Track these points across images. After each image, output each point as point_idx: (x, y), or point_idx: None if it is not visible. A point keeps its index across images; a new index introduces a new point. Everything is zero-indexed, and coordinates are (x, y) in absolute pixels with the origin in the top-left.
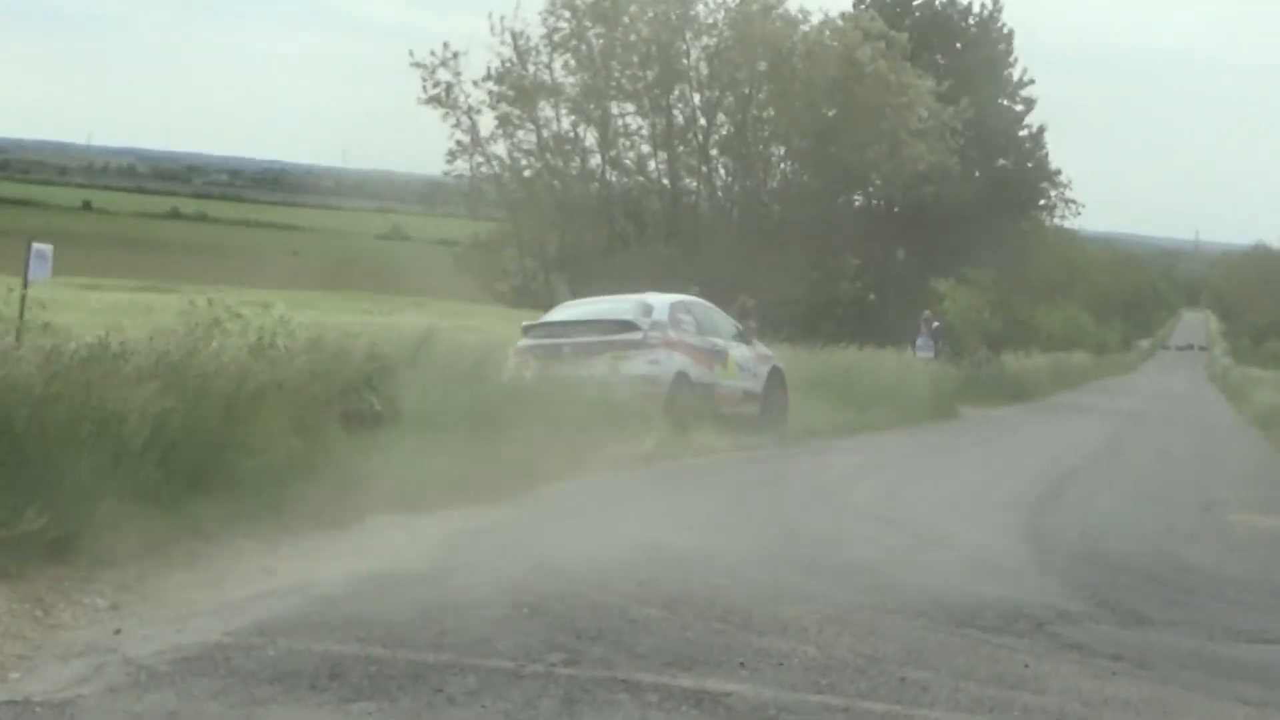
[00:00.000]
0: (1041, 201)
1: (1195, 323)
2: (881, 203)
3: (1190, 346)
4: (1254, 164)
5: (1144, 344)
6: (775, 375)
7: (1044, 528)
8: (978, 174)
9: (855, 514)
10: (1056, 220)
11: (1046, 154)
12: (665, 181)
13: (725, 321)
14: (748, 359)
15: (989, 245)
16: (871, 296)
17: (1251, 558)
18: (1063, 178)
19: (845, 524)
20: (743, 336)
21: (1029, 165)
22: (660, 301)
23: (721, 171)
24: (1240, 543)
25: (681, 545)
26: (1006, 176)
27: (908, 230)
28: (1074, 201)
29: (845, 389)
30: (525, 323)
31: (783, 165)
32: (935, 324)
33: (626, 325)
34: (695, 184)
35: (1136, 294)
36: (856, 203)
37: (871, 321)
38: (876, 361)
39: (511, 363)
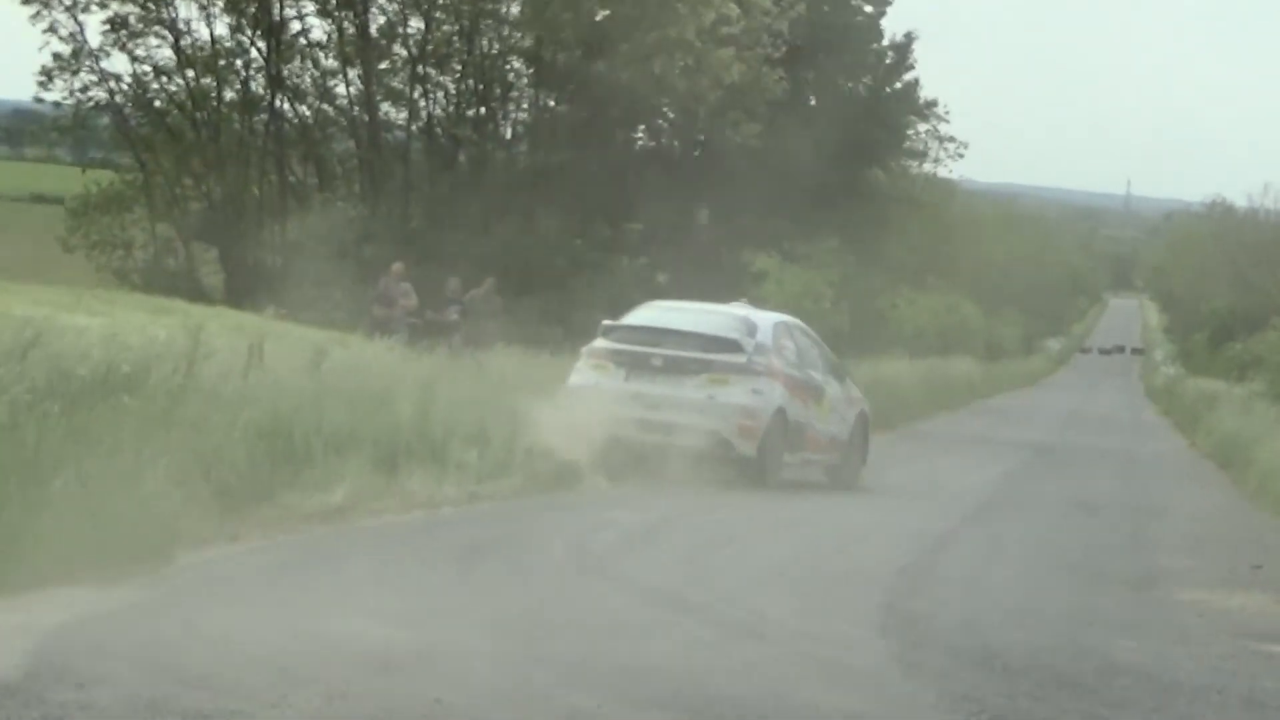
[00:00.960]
0: (906, 142)
1: (1127, 314)
2: (676, 144)
3: (1121, 349)
4: (1207, 95)
5: (1054, 345)
6: (861, 421)
7: (911, 612)
8: (814, 102)
9: (640, 592)
10: (929, 168)
11: (915, 76)
12: (359, 112)
13: (820, 350)
14: (839, 399)
15: (830, 205)
16: (661, 278)
17: (1209, 654)
18: (939, 108)
19: (626, 607)
20: (837, 371)
21: (888, 91)
22: (764, 320)
23: (440, 98)
24: (1194, 634)
25: (390, 641)
26: (856, 106)
27: (713, 183)
28: (954, 141)
29: None
30: (606, 322)
31: (530, 89)
32: None
33: (730, 345)
34: (401, 115)
35: (1045, 274)
36: (638, 142)
37: None
38: None
39: (584, 365)
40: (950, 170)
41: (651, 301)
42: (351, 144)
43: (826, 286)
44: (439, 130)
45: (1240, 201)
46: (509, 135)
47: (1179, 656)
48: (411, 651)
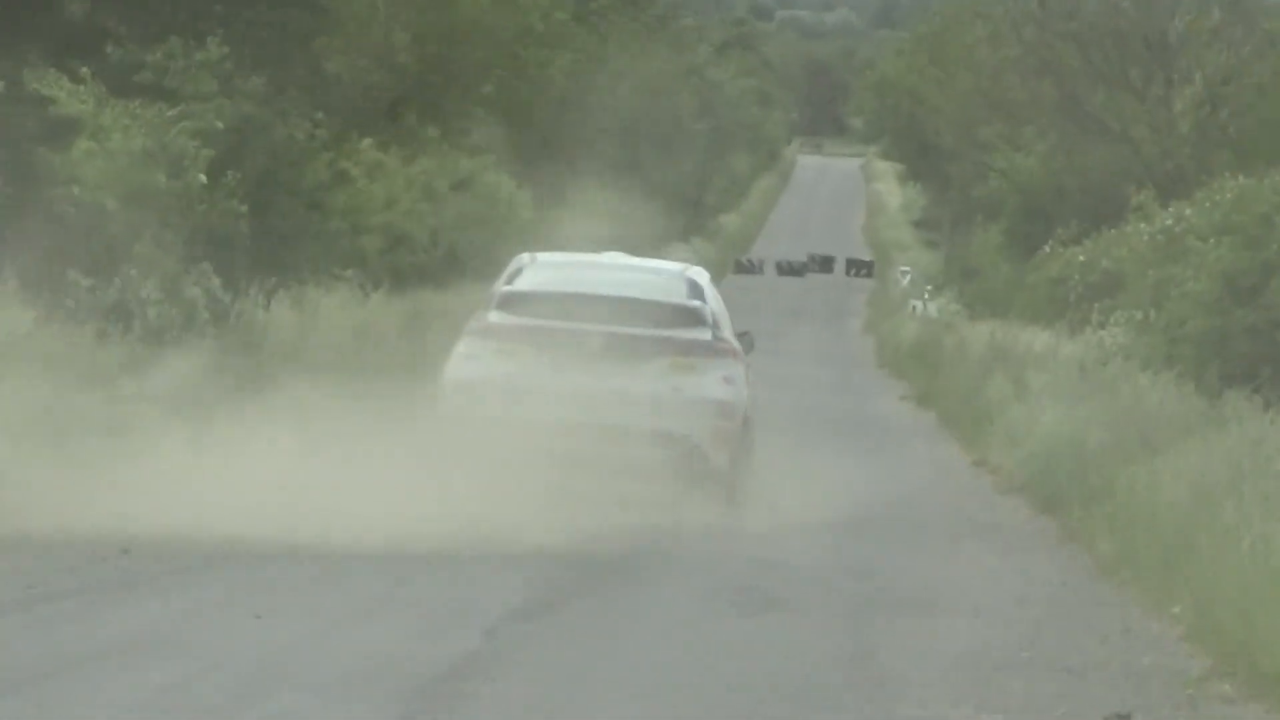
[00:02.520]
0: None
1: (836, 186)
2: None
3: (825, 263)
4: None
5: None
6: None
7: None
8: None
9: None
10: None
11: None
12: None
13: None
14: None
15: None
16: None
17: None
18: None
19: None
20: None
21: None
22: (701, 275)
23: None
24: None
25: None
26: None
27: None
28: None
29: None
30: (504, 288)
31: None
32: None
33: (690, 314)
34: None
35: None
36: None
37: None
38: None
39: (479, 349)
40: None
41: (532, 253)
42: None
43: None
44: None
45: None
46: None
47: None
48: None
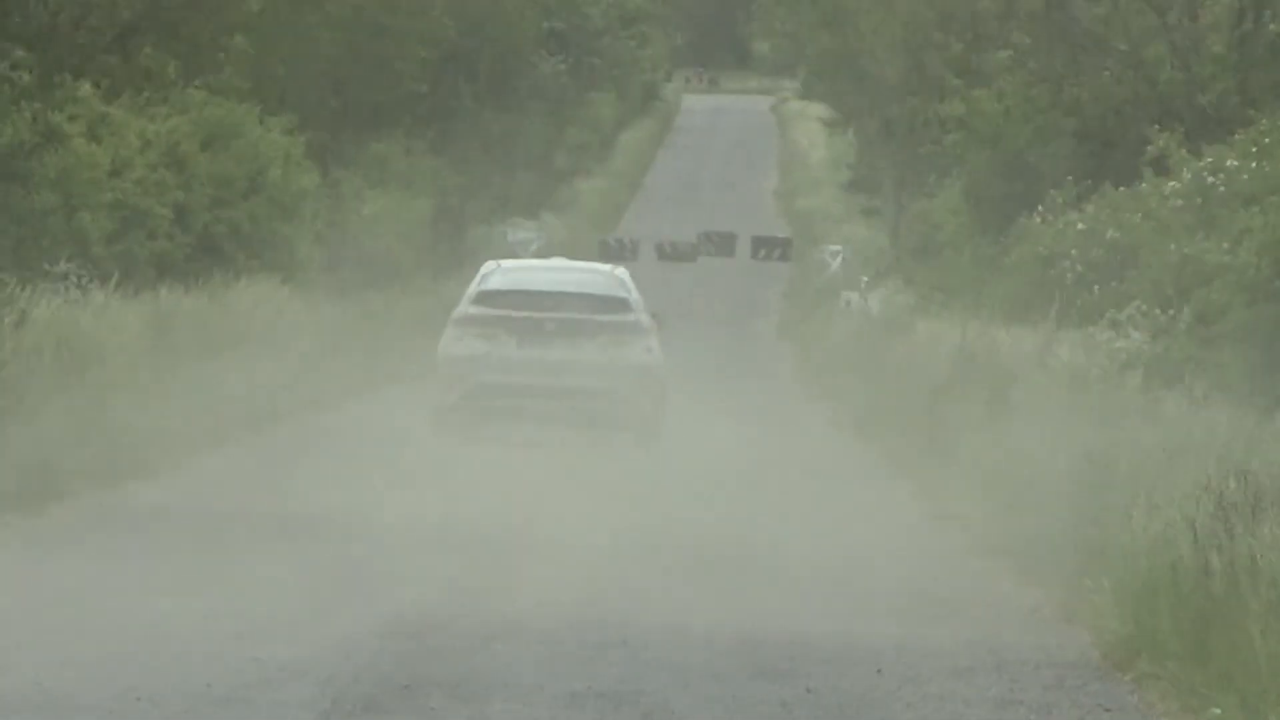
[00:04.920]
0: None
1: (741, 137)
2: None
3: (725, 241)
4: None
5: (516, 239)
6: None
7: None
8: None
9: None
10: None
11: None
12: None
13: None
14: None
15: None
16: None
17: None
18: None
19: None
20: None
21: None
22: (624, 274)
23: None
24: None
25: None
26: None
27: None
28: None
29: None
30: (480, 287)
31: None
32: None
33: (619, 304)
34: None
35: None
36: None
37: None
38: None
39: (454, 335)
40: None
41: (498, 261)
42: None
43: None
44: None
45: None
46: None
47: None
48: None
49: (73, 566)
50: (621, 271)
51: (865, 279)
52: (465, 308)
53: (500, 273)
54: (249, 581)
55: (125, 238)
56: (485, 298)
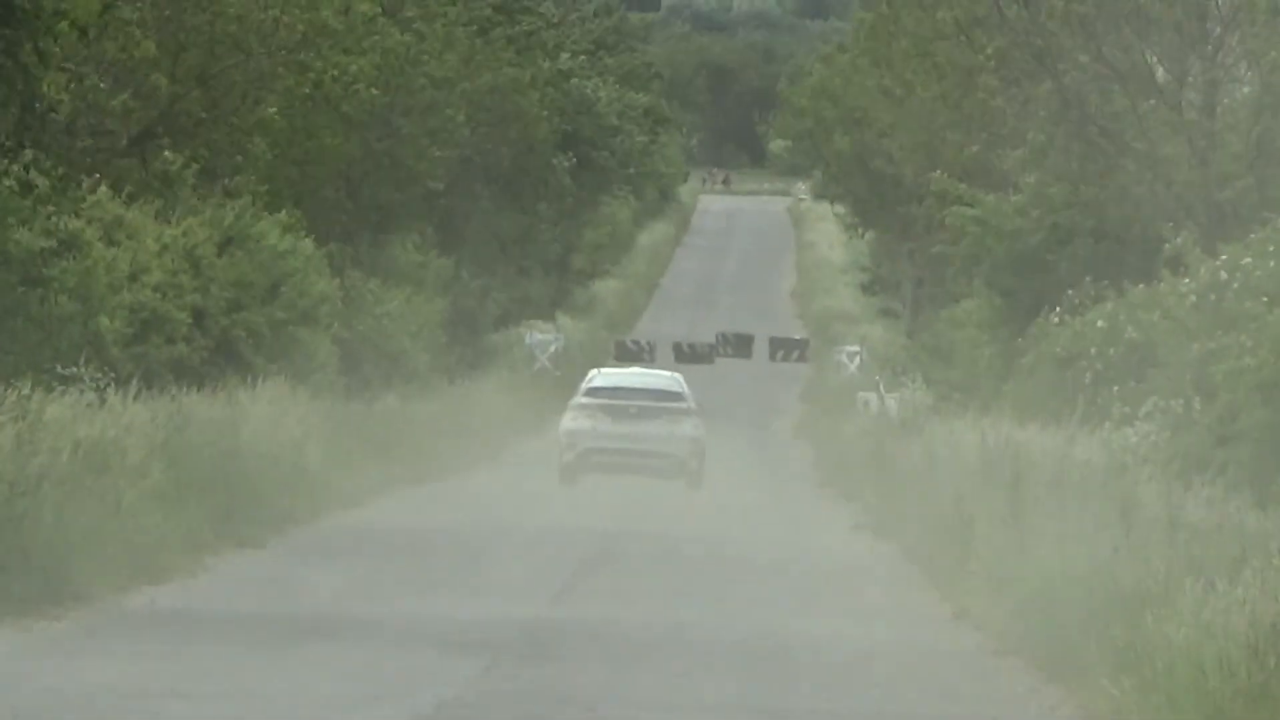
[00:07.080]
0: None
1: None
2: None
3: (743, 344)
4: None
5: (537, 342)
6: None
7: None
8: None
9: None
10: None
11: None
12: None
13: None
14: None
15: None
16: None
17: None
18: None
19: None
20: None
21: None
22: (679, 377)
23: None
24: None
25: None
26: None
27: None
28: None
29: None
30: (591, 384)
31: None
32: None
33: (676, 396)
34: None
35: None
36: None
37: None
38: None
39: (571, 416)
40: None
41: (599, 369)
42: None
43: None
44: None
45: None
46: None
47: None
48: None
49: (94, 668)
50: (678, 375)
51: (883, 381)
52: (579, 398)
53: (601, 376)
54: (264, 684)
55: (143, 341)
56: (591, 391)
